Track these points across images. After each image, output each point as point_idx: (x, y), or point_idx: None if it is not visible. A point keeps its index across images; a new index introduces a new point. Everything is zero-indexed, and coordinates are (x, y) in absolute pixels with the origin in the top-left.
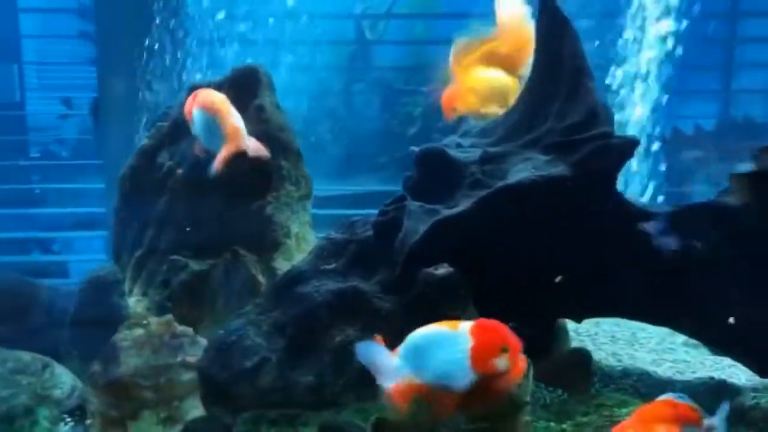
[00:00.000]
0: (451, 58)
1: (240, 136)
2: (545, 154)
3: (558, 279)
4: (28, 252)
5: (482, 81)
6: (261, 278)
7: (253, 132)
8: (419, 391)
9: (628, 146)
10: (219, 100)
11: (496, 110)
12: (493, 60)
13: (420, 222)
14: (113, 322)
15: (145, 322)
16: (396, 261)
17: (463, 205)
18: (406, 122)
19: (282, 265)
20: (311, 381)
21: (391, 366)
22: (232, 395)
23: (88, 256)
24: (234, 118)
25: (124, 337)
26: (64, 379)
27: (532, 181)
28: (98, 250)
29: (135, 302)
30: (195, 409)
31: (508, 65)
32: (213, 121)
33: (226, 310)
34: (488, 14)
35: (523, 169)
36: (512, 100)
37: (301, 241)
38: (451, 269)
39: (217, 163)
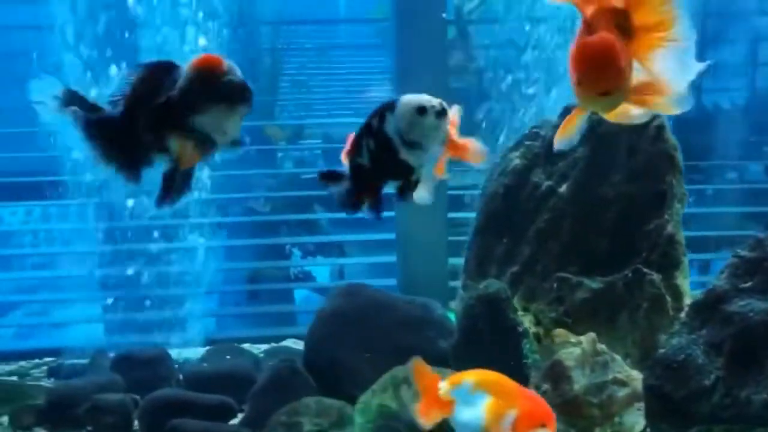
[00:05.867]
0: None
1: None
2: None
3: None
4: None
5: None
6: (667, 297)
7: (650, 151)
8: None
9: None
10: None
11: None
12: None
13: None
14: (510, 338)
15: (573, 340)
16: None
17: None
18: None
19: (682, 283)
20: (765, 398)
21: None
22: (686, 412)
23: None
24: None
25: (567, 356)
26: None
27: None
28: None
29: (519, 317)
30: (637, 425)
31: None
32: None
33: (629, 328)
34: None
35: None
36: None
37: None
38: None
39: None
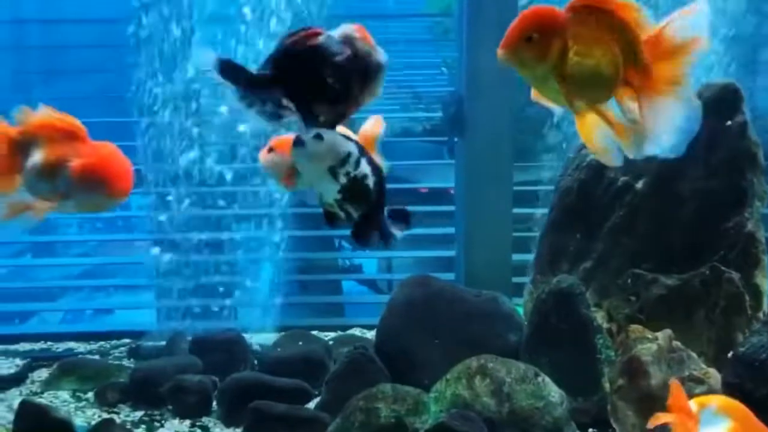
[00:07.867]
0: None
1: None
2: None
3: None
4: None
5: None
6: (746, 296)
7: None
8: None
9: None
10: None
11: None
12: None
13: None
14: (583, 333)
15: (649, 336)
16: None
17: None
18: None
19: (761, 282)
20: None
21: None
22: (766, 410)
23: None
24: None
25: (644, 351)
26: (552, 387)
27: None
28: None
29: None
30: None
31: None
32: None
33: (706, 326)
34: None
35: None
36: None
37: None
38: None
39: None
